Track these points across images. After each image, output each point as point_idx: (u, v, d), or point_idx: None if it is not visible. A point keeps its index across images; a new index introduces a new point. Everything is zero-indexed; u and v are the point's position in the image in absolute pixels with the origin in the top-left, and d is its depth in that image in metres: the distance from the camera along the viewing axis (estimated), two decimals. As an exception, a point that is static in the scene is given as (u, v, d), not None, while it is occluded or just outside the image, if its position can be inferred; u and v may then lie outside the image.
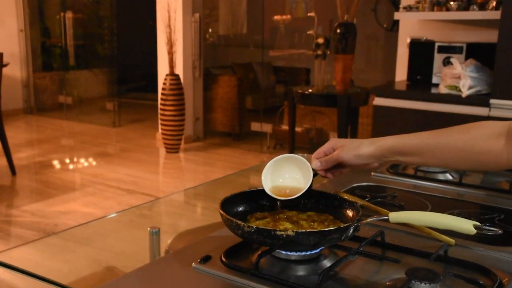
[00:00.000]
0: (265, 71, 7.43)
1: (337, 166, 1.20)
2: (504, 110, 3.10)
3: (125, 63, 8.80)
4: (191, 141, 6.40)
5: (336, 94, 4.29)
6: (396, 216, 1.06)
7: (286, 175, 1.18)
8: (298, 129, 5.45)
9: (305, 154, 1.97)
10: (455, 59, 3.37)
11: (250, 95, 6.84)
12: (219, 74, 6.83)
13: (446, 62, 3.60)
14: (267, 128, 6.28)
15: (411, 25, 4.10)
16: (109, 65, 8.45)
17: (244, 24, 8.48)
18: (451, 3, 3.61)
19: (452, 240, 1.11)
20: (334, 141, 1.20)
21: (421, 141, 1.16)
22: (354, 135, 4.56)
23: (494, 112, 3.13)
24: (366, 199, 1.38)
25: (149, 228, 1.50)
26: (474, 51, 3.55)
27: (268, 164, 1.18)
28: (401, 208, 1.37)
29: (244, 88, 6.67)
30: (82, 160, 5.71)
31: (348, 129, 4.42)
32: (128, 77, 9.32)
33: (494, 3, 3.46)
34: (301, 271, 1.01)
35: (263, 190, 1.17)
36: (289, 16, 8.14)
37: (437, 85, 3.59)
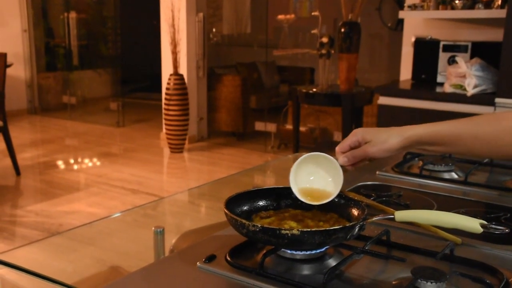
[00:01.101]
0: (269, 71, 7.42)
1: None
2: (509, 109, 3.08)
3: (129, 63, 8.81)
4: (195, 141, 6.40)
5: (340, 93, 4.28)
6: (402, 215, 1.05)
7: (314, 175, 1.15)
8: (302, 128, 5.44)
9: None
10: (460, 58, 3.36)
11: (254, 94, 6.84)
12: (223, 73, 6.83)
13: (451, 61, 3.59)
14: (271, 127, 6.28)
15: (416, 24, 4.09)
16: (113, 65, 8.46)
17: (248, 23, 8.48)
18: (456, 1, 3.59)
19: (458, 239, 1.11)
20: (360, 134, 1.16)
21: (450, 131, 1.14)
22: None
23: (499, 111, 3.12)
24: (371, 198, 1.37)
25: (153, 228, 1.50)
26: (479, 50, 3.54)
27: (294, 165, 1.13)
28: (406, 207, 1.36)
29: (248, 88, 6.67)
30: (86, 160, 5.72)
31: (353, 129, 4.41)
32: (132, 77, 9.33)
33: (499, 2, 3.45)
34: (306, 270, 1.00)
35: (267, 189, 1.17)
36: (293, 16, 8.13)
37: (442, 84, 3.57)
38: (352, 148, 1.17)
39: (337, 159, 1.15)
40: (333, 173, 1.13)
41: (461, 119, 1.17)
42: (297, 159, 1.15)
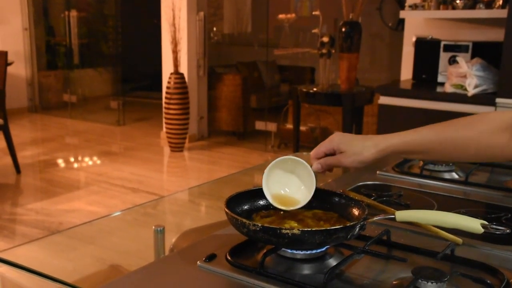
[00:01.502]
0: (269, 70, 7.42)
1: None
2: (510, 109, 3.08)
3: (129, 62, 8.80)
4: (195, 139, 6.40)
5: (341, 93, 4.28)
6: (403, 215, 1.05)
7: (287, 180, 1.15)
8: (302, 128, 5.44)
9: (304, 153, 1.96)
10: (461, 58, 3.36)
11: (254, 94, 6.84)
12: (223, 73, 6.83)
13: (452, 61, 3.59)
14: (271, 127, 6.27)
15: (417, 23, 4.09)
16: (113, 64, 8.46)
17: (248, 22, 8.48)
18: (457, 1, 3.59)
19: (459, 239, 1.10)
20: (336, 142, 1.15)
21: (426, 140, 1.14)
22: (358, 134, 4.55)
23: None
24: (372, 198, 1.37)
25: (153, 227, 1.50)
26: (480, 50, 3.54)
27: (266, 170, 1.13)
28: (407, 207, 1.36)
29: (249, 87, 6.66)
30: (86, 159, 5.72)
31: (353, 128, 4.41)
32: (133, 75, 9.32)
33: (500, 2, 3.45)
34: (306, 270, 1.00)
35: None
36: (293, 15, 8.13)
37: (442, 84, 3.57)
38: (327, 154, 1.16)
39: (311, 164, 1.15)
40: (307, 178, 1.13)
41: (438, 124, 1.17)
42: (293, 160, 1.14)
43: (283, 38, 8.27)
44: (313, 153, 1.16)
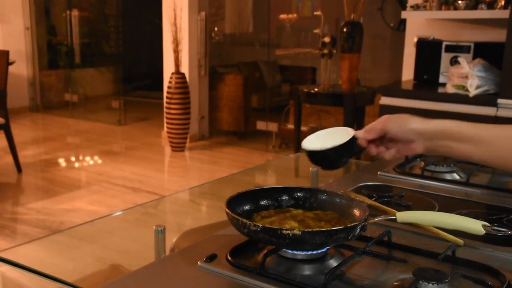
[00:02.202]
0: (271, 70, 7.42)
1: (384, 141, 1.18)
2: (511, 110, 3.08)
3: (131, 62, 8.81)
4: (196, 139, 6.40)
5: (342, 93, 4.28)
6: (404, 216, 1.05)
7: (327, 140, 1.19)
8: (303, 128, 5.44)
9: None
10: (462, 59, 3.35)
11: (255, 94, 6.84)
12: (224, 72, 6.83)
13: (454, 62, 3.59)
14: (272, 127, 6.27)
15: (418, 24, 4.08)
16: (115, 63, 8.47)
17: (250, 22, 8.48)
18: (459, 2, 3.59)
19: (460, 241, 1.10)
20: (389, 135, 1.17)
21: (478, 131, 1.11)
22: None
23: (501, 112, 3.11)
24: (373, 199, 1.37)
25: (154, 227, 1.49)
26: (482, 51, 3.53)
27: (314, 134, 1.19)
28: (408, 207, 1.36)
29: (250, 87, 6.66)
30: (87, 158, 5.72)
31: (354, 129, 4.40)
32: (134, 75, 9.33)
33: (502, 2, 3.44)
34: (307, 270, 1.00)
35: (268, 189, 1.17)
36: (295, 15, 8.13)
37: (444, 84, 3.57)
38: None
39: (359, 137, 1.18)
40: (343, 135, 1.18)
41: (488, 124, 1.13)
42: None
43: (285, 38, 8.27)
44: (365, 131, 1.18)
